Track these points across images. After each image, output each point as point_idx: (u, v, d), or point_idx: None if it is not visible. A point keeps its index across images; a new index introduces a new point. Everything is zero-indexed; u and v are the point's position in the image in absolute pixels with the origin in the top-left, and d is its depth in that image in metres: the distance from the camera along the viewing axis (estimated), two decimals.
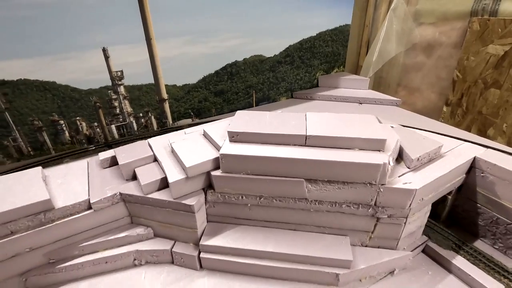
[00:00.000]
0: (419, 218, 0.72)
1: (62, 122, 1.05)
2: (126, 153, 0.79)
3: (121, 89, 1.13)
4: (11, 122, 0.95)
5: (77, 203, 0.68)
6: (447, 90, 1.55)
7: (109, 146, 1.05)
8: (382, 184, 0.64)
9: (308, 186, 0.67)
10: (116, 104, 1.14)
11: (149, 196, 0.71)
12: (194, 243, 0.75)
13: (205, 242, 0.72)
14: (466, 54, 1.42)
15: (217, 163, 0.70)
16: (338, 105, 1.39)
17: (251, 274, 0.72)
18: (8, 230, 0.63)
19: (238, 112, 0.81)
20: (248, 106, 1.43)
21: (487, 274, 0.68)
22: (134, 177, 0.77)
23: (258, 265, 0.70)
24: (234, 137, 0.71)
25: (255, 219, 0.76)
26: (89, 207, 0.70)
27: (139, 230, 0.76)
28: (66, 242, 0.70)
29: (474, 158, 0.76)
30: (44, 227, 0.66)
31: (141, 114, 1.21)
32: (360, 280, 0.71)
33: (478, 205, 0.77)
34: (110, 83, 1.10)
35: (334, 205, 0.69)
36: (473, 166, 0.76)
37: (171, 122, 1.28)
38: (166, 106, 1.24)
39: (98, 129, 1.14)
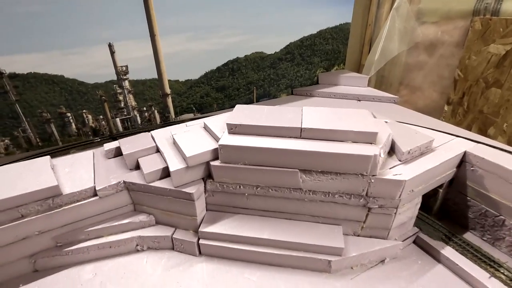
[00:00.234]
0: (409, 209, 0.75)
1: (69, 114, 1.09)
2: (130, 144, 0.83)
3: (126, 84, 1.17)
4: (21, 114, 0.99)
5: (84, 190, 0.72)
6: (448, 89, 1.56)
7: (114, 139, 1.09)
8: (373, 175, 0.67)
9: (303, 177, 0.71)
10: (121, 98, 1.18)
11: (151, 184, 0.74)
12: (193, 230, 0.78)
13: (204, 229, 0.76)
14: (468, 53, 1.42)
15: (216, 154, 0.74)
16: (337, 102, 1.41)
17: (247, 260, 0.75)
18: (19, 213, 0.67)
19: (238, 105, 0.84)
20: (249, 102, 1.46)
21: (474, 263, 0.71)
22: (137, 167, 0.80)
23: (254, 251, 0.73)
24: (233, 129, 0.74)
25: (252, 208, 0.79)
26: (95, 194, 0.74)
27: (142, 217, 0.80)
28: (73, 227, 0.74)
29: (465, 152, 0.78)
30: (52, 211, 0.70)
31: (144, 108, 1.25)
32: (352, 268, 0.74)
33: (468, 198, 0.80)
34: (115, 78, 1.14)
35: (327, 195, 0.72)
36: (463, 160, 0.79)
37: (173, 116, 1.32)
38: (169, 100, 1.28)
39: (103, 122, 1.18)
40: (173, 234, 0.78)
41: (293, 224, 0.77)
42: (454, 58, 1.52)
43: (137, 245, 0.79)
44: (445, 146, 0.80)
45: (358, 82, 1.55)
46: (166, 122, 1.30)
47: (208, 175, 0.77)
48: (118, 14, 1.03)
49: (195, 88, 1.32)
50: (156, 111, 1.28)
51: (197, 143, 0.76)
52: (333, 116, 0.75)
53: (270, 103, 1.41)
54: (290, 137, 0.72)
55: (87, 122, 1.15)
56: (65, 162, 0.83)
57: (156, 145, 0.83)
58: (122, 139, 0.87)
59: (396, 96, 1.41)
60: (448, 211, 0.86)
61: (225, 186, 0.76)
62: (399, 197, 0.68)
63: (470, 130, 1.49)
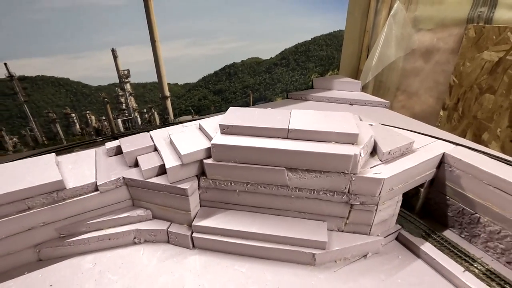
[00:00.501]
0: (390, 206, 0.79)
1: (73, 115, 1.15)
2: (129, 143, 0.88)
3: (128, 86, 1.23)
4: (29, 114, 1.05)
5: (86, 185, 0.77)
6: (444, 94, 1.59)
7: (115, 138, 1.14)
8: (354, 174, 0.72)
9: (289, 174, 0.76)
10: (122, 100, 1.24)
11: (149, 180, 0.79)
12: (187, 224, 0.83)
13: (197, 223, 0.81)
14: (462, 60, 1.46)
15: (209, 152, 0.79)
16: (330, 106, 1.46)
17: (237, 253, 0.80)
18: (26, 205, 0.72)
19: (231, 108, 0.89)
20: (245, 105, 1.52)
21: (450, 258, 0.75)
22: (136, 165, 0.86)
23: (244, 244, 0.78)
24: (225, 129, 0.80)
25: (243, 204, 0.84)
26: (96, 189, 0.79)
27: (139, 212, 0.85)
28: (75, 219, 0.79)
29: (443, 154, 0.83)
30: (56, 204, 0.75)
31: (145, 110, 1.31)
32: (336, 261, 0.78)
33: (447, 197, 0.84)
34: (117, 81, 1.20)
35: (312, 192, 0.77)
36: (442, 162, 0.83)
37: (172, 118, 1.38)
38: (168, 103, 1.34)
39: (105, 123, 1.24)
40: (168, 228, 0.82)
41: (281, 219, 0.82)
42: (449, 64, 1.56)
43: (134, 237, 0.84)
44: (425, 147, 0.85)
45: (351, 87, 1.61)
46: (165, 123, 1.36)
47: (201, 173, 0.82)
48: (121, 21, 1.10)
49: (193, 91, 1.38)
50: (156, 113, 1.34)
51: (192, 142, 0.81)
52: (319, 118, 0.80)
53: (265, 106, 1.46)
54: (278, 137, 0.77)
55: (90, 122, 1.21)
56: (69, 159, 0.89)
57: (154, 144, 0.88)
58: (122, 138, 0.92)
59: (387, 101, 1.46)
60: (430, 210, 0.90)
61: (217, 183, 0.81)
62: (379, 194, 0.73)
63: (465, 135, 1.52)
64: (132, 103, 1.27)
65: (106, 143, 0.93)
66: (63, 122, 1.14)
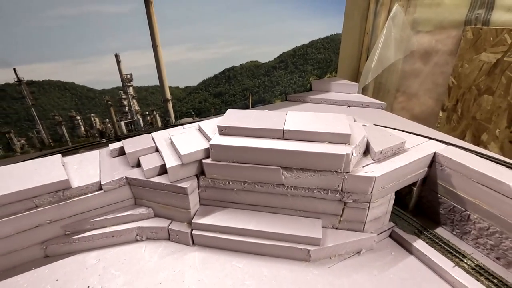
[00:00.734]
0: (382, 204, 0.82)
1: (78, 117, 1.20)
2: (132, 144, 0.92)
3: (130, 90, 1.27)
4: (36, 117, 1.10)
5: (90, 184, 0.81)
6: (443, 96, 1.61)
7: (118, 140, 1.18)
8: (347, 172, 0.75)
9: (284, 173, 0.79)
10: (125, 103, 1.28)
11: (150, 180, 0.83)
12: (187, 222, 0.86)
13: (197, 221, 0.84)
14: (460, 61, 1.48)
15: (208, 153, 0.82)
16: (328, 108, 1.49)
17: (235, 250, 0.83)
18: (34, 204, 0.76)
19: (229, 110, 0.93)
20: (245, 107, 1.55)
21: (441, 254, 0.77)
22: (138, 165, 0.89)
23: (241, 241, 0.81)
24: (223, 130, 0.83)
25: (241, 203, 0.87)
26: (100, 188, 0.82)
27: (142, 210, 0.88)
28: (80, 217, 0.83)
29: (434, 153, 0.85)
30: (62, 203, 0.78)
31: (147, 112, 1.35)
32: (330, 258, 0.81)
33: (439, 195, 0.87)
34: (120, 84, 1.24)
35: (307, 191, 0.80)
36: (434, 161, 0.86)
37: (174, 120, 1.42)
38: (170, 105, 1.38)
39: (109, 125, 1.28)
40: (169, 225, 0.86)
41: (277, 217, 0.85)
42: (448, 66, 1.58)
43: (136, 235, 0.87)
44: (417, 147, 0.88)
45: (348, 89, 1.64)
46: (167, 125, 1.40)
47: (201, 172, 0.86)
48: (124, 28, 1.14)
49: (194, 94, 1.42)
50: (157, 115, 1.38)
51: (191, 143, 0.84)
52: (313, 119, 0.83)
53: (264, 109, 1.50)
54: (274, 138, 0.80)
55: (94, 124, 1.25)
56: (74, 160, 0.93)
57: (156, 145, 0.91)
58: (125, 140, 0.96)
59: (383, 102, 1.49)
60: (423, 208, 0.93)
61: (216, 182, 0.84)
62: (371, 192, 0.76)
63: (464, 136, 1.54)
64: (135, 106, 1.31)
65: (110, 145, 0.97)
66: (69, 124, 1.19)
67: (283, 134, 0.79)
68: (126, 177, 0.85)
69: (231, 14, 1.33)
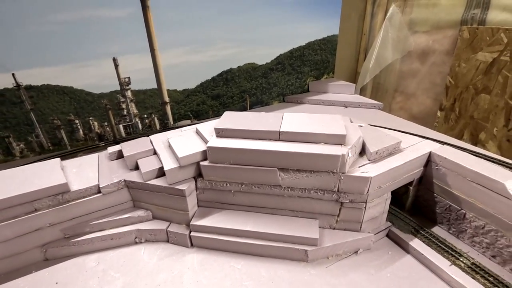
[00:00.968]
0: (379, 204, 0.83)
1: (77, 121, 1.21)
2: (130, 147, 0.93)
3: (128, 93, 1.28)
4: (35, 121, 1.10)
5: (89, 187, 0.82)
6: (441, 95, 1.62)
7: (117, 143, 1.18)
8: (343, 173, 0.76)
9: (281, 175, 0.79)
10: (123, 106, 1.29)
11: (149, 182, 0.83)
12: (186, 224, 0.87)
13: (195, 222, 0.85)
14: (457, 61, 1.49)
15: (205, 155, 0.83)
16: (325, 108, 1.50)
17: (233, 251, 0.83)
18: (33, 207, 0.77)
19: (226, 112, 0.94)
20: (243, 109, 1.56)
21: (438, 253, 0.78)
22: (136, 168, 0.90)
23: (239, 242, 0.82)
24: (220, 133, 0.84)
25: (238, 204, 0.88)
26: (99, 191, 0.83)
27: (140, 213, 0.89)
28: (79, 220, 0.83)
29: (430, 153, 0.86)
30: (61, 206, 0.79)
31: (145, 115, 1.36)
32: (328, 258, 0.81)
33: (435, 194, 0.87)
34: (119, 88, 1.25)
35: (304, 191, 0.81)
36: (429, 160, 0.87)
37: (172, 122, 1.42)
38: (168, 108, 1.39)
39: (108, 128, 1.29)
40: (168, 227, 0.86)
41: (274, 218, 0.85)
42: (445, 65, 1.59)
43: (135, 237, 0.87)
44: (412, 147, 0.88)
45: (345, 90, 1.65)
46: (165, 128, 1.40)
47: (198, 174, 0.86)
48: (122, 32, 1.15)
49: (192, 97, 1.43)
50: (156, 118, 1.39)
51: (189, 145, 0.85)
52: (309, 120, 0.84)
53: (262, 110, 1.51)
54: (270, 139, 0.81)
55: (93, 128, 1.26)
56: (73, 163, 0.93)
57: (154, 148, 0.92)
58: (123, 143, 0.96)
59: (380, 103, 1.50)
60: (419, 207, 0.93)
61: (213, 183, 0.85)
62: (367, 192, 0.77)
63: (462, 135, 1.55)
64: (133, 109, 1.32)
65: (108, 148, 0.97)
66: (67, 128, 1.20)
67: (279, 136, 0.80)
68: (124, 180, 0.85)
69: (228, 17, 1.34)
